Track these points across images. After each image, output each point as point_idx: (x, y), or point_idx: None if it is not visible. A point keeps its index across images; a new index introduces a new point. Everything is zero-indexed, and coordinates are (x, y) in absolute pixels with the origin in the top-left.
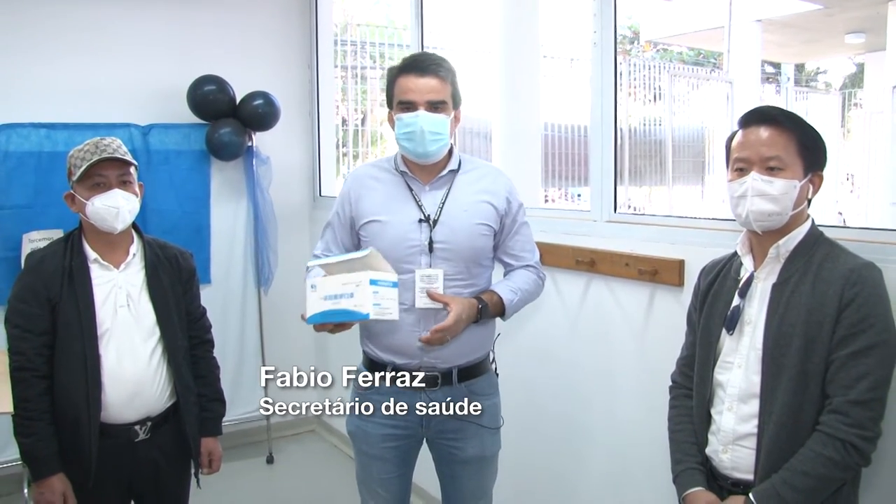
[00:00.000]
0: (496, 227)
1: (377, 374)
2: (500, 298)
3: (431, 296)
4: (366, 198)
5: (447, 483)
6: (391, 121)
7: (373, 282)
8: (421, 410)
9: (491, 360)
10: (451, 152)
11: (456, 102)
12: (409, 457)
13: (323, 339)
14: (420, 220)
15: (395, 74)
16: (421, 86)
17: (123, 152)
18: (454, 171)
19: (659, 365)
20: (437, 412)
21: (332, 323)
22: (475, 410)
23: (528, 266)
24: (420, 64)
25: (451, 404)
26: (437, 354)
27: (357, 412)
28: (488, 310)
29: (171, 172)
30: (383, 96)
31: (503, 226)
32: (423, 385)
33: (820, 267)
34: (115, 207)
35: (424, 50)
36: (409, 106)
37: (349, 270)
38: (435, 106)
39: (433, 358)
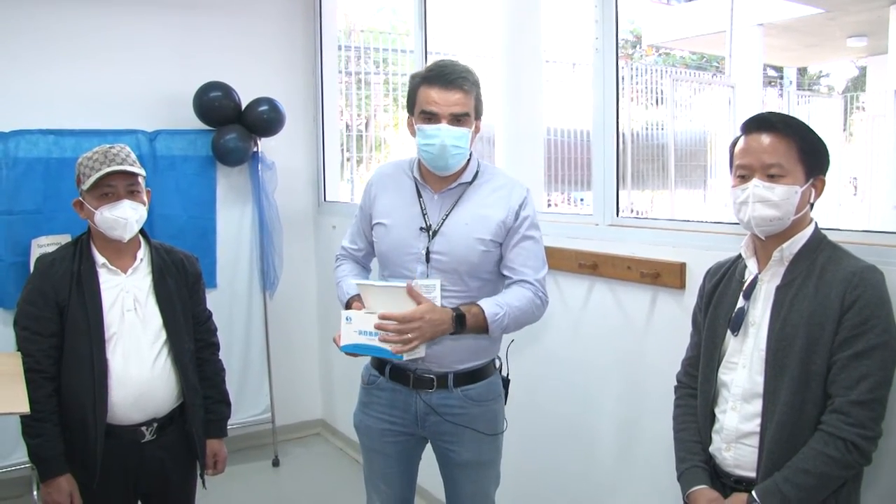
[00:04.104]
0: (501, 240)
1: (379, 370)
2: (482, 311)
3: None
4: (381, 198)
5: (448, 485)
6: (410, 127)
7: None
8: (415, 409)
9: (498, 365)
10: (467, 163)
11: (478, 113)
12: (412, 454)
13: (327, 341)
14: (421, 229)
15: (418, 83)
16: (445, 98)
17: (132, 161)
18: (466, 184)
19: (661, 366)
20: (431, 413)
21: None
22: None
23: (523, 282)
24: (446, 76)
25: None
26: (431, 359)
27: (361, 406)
28: (464, 321)
29: (178, 178)
30: (386, 101)
31: (507, 238)
32: (418, 386)
33: (823, 270)
34: (124, 218)
35: (448, 59)
36: (431, 117)
37: (384, 296)
38: (458, 118)
39: (428, 362)
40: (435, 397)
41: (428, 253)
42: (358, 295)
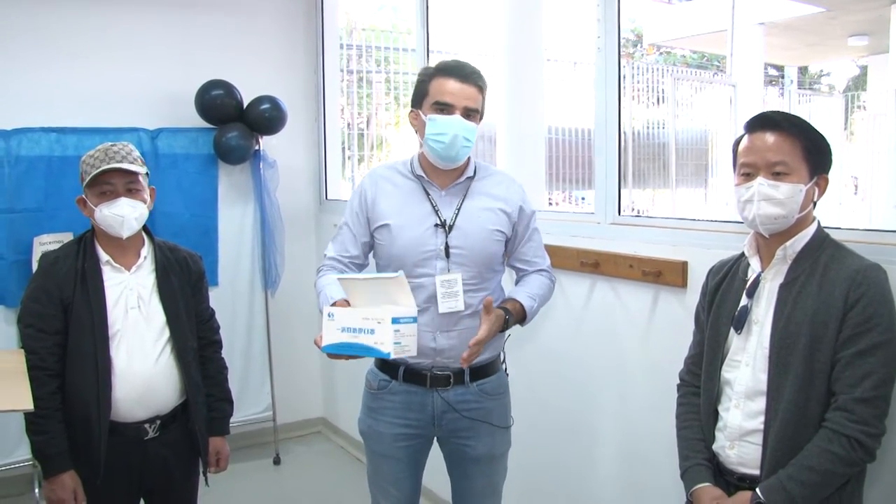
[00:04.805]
0: (508, 233)
1: (389, 374)
2: (522, 306)
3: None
4: (382, 200)
5: (458, 481)
6: (415, 120)
7: (395, 320)
8: (432, 409)
9: (501, 360)
10: (468, 159)
11: (481, 115)
12: (421, 456)
13: None
14: (436, 225)
15: (432, 74)
16: (462, 91)
17: (133, 159)
18: (470, 178)
19: (663, 364)
20: (448, 411)
21: (347, 354)
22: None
23: (540, 270)
24: (462, 70)
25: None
26: (450, 354)
27: (369, 412)
28: (512, 319)
29: (180, 176)
30: (387, 100)
31: (516, 233)
32: (435, 384)
33: (826, 268)
34: (121, 216)
35: (457, 58)
36: (445, 108)
37: (373, 291)
38: (469, 113)
39: (445, 358)
40: (452, 394)
41: (447, 248)
42: (343, 299)
